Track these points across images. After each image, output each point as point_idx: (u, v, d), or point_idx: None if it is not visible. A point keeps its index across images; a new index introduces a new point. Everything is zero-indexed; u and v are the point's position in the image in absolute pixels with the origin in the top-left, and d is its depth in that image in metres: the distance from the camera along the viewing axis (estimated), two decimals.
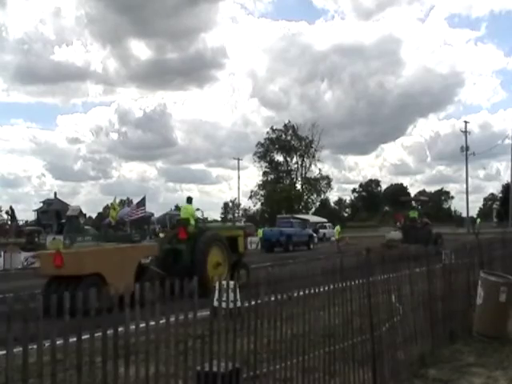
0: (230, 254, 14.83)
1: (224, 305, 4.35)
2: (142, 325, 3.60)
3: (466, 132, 66.06)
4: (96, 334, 3.29)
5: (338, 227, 38.39)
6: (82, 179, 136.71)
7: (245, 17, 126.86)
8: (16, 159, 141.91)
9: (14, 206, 77.67)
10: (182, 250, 14.16)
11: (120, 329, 3.45)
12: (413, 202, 32.58)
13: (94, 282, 10.80)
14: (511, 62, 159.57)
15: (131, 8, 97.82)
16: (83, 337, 3.20)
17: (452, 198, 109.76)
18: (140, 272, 12.34)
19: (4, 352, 2.89)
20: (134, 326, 3.54)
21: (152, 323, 3.68)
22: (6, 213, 79.98)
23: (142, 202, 29.89)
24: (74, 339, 3.16)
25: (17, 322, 2.94)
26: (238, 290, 4.73)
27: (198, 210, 15.79)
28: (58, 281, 11.32)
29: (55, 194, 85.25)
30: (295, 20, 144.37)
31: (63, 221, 26.03)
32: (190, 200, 15.66)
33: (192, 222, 14.81)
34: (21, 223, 66.10)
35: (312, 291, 5.18)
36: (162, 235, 31.58)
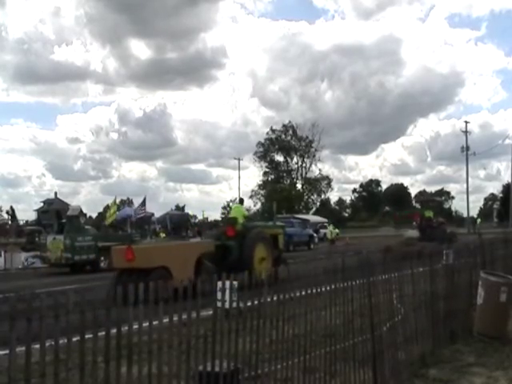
0: (273, 250, 16.03)
1: (225, 305, 4.38)
2: (145, 324, 3.62)
3: (466, 132, 66.17)
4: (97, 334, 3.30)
5: (330, 227, 38.19)
6: (82, 179, 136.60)
7: (245, 16, 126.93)
8: (16, 159, 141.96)
9: (14, 206, 77.77)
10: (230, 246, 15.20)
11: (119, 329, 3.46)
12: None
13: (162, 274, 11.63)
14: (511, 61, 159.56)
15: (131, 7, 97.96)
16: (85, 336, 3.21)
17: (452, 198, 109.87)
18: (197, 266, 13.48)
19: (7, 352, 2.90)
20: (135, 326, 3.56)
21: (154, 322, 3.69)
22: (7, 213, 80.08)
23: (143, 203, 30.09)
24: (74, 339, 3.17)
25: (19, 321, 2.95)
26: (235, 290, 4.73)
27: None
28: (128, 273, 12.26)
29: (55, 193, 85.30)
30: (295, 20, 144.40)
31: (63, 221, 25.94)
32: (242, 201, 17.59)
33: (240, 221, 15.99)
34: (21, 223, 66.15)
35: (313, 291, 5.20)
36: (162, 235, 31.64)
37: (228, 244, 15.28)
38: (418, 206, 32.88)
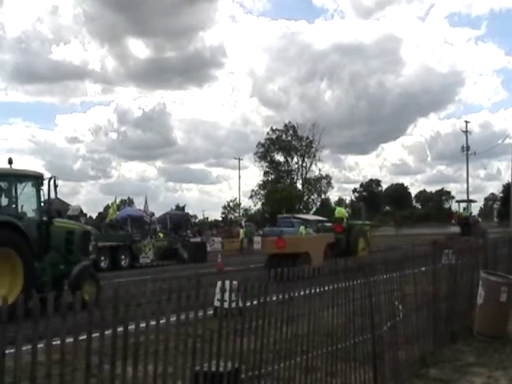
0: (368, 242, 21.69)
1: (225, 304, 4.41)
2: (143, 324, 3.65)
3: (466, 132, 66.16)
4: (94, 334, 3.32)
5: (302, 227, 37.79)
6: (82, 179, 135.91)
7: (244, 15, 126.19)
8: (15, 159, 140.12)
9: None
10: (340, 239, 19.99)
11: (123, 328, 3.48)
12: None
13: (306, 258, 15.78)
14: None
15: (129, 6, 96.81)
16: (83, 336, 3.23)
17: (453, 198, 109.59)
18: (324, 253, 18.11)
19: (12, 351, 2.91)
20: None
21: (152, 322, 3.71)
22: None
23: (146, 203, 30.41)
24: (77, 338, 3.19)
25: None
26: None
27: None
28: (278, 257, 16.20)
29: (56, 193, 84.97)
30: (294, 19, 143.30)
31: None
32: (340, 204, 25.41)
33: (344, 219, 21.39)
34: None
35: (315, 291, 5.22)
36: (161, 235, 31.63)
37: (338, 237, 20.08)
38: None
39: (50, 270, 12.20)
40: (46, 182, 12.57)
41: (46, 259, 12.17)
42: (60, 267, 12.45)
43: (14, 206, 12.16)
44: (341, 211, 22.22)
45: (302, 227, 38.92)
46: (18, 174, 12.55)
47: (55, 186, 12.58)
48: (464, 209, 36.87)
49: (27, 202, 12.47)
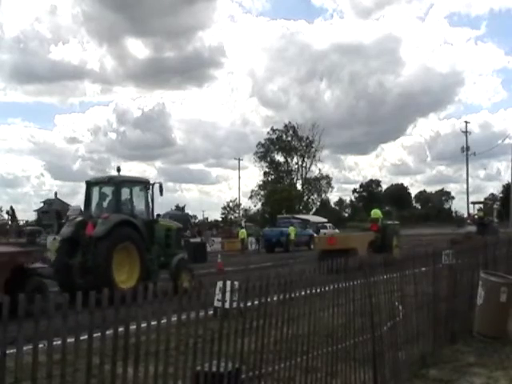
0: (400, 240, 23.93)
1: (226, 305, 4.42)
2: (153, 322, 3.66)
3: (466, 132, 66.18)
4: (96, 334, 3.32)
5: (291, 228, 38.26)
6: (81, 179, 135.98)
7: (243, 15, 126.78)
8: (14, 159, 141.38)
9: (14, 206, 77.85)
10: (377, 237, 21.63)
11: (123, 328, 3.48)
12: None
13: (354, 253, 16.86)
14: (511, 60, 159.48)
15: (128, 6, 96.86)
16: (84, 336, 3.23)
17: (452, 198, 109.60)
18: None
19: (13, 351, 2.91)
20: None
21: (153, 322, 3.71)
22: (7, 213, 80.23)
23: None
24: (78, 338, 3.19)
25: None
26: None
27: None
28: (328, 253, 17.05)
29: (55, 193, 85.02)
30: (294, 19, 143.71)
31: (64, 221, 25.96)
32: (378, 206, 26.31)
33: (380, 220, 23.30)
34: (21, 223, 66.25)
35: (315, 291, 5.22)
36: None
37: (375, 236, 21.83)
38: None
39: (156, 261, 14.25)
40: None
41: (152, 252, 14.21)
42: (161, 259, 14.49)
43: (129, 207, 14.38)
44: (377, 212, 23.83)
45: (291, 227, 39.99)
46: (131, 180, 15.14)
47: (161, 190, 14.83)
48: (478, 210, 40.93)
49: (138, 203, 14.67)
